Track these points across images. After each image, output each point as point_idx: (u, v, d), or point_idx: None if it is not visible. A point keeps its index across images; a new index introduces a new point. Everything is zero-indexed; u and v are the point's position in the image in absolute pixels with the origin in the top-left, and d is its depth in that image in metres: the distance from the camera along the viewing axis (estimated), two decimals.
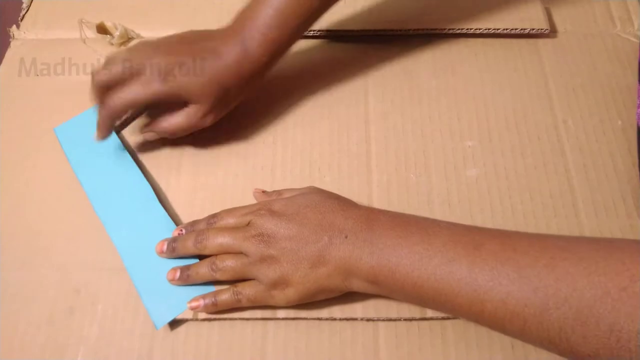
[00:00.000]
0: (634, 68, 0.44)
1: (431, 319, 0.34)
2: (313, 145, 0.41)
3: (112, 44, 0.46)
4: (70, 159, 0.39)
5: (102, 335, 0.34)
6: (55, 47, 0.46)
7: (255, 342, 0.33)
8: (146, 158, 0.41)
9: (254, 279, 0.33)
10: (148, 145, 0.41)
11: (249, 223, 0.33)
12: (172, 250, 0.34)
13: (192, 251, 0.34)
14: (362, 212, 0.32)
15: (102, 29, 0.46)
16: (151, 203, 0.37)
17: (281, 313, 0.34)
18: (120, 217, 0.37)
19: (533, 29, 0.45)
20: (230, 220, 0.34)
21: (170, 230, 0.36)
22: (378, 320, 0.34)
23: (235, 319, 0.34)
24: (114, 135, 0.39)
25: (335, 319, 0.34)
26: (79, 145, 0.40)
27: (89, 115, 0.41)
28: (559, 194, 0.38)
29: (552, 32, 0.46)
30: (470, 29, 0.45)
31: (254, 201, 0.38)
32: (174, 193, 0.39)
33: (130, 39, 0.46)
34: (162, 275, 0.34)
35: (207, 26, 0.45)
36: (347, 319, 0.34)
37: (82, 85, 0.44)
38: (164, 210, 0.37)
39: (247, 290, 0.33)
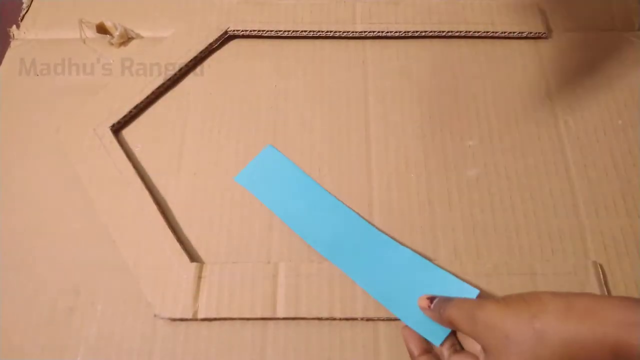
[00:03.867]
0: (634, 67, 0.44)
1: None
2: (313, 145, 0.41)
3: (112, 44, 0.46)
4: (260, 198, 0.39)
5: (102, 335, 0.34)
6: (55, 47, 0.46)
7: (255, 341, 0.33)
8: (145, 159, 0.41)
9: None
10: (147, 146, 0.41)
11: None
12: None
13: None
14: None
15: (102, 29, 0.46)
16: (351, 216, 0.37)
17: (281, 313, 0.34)
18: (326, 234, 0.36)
19: (530, 32, 0.45)
20: None
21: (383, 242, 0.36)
22: (378, 320, 0.34)
23: (235, 319, 0.34)
24: (289, 163, 0.40)
25: (335, 319, 0.34)
26: (261, 184, 0.39)
27: (260, 159, 0.40)
28: (559, 193, 0.38)
29: (552, 32, 0.46)
30: (469, 31, 0.45)
31: (252, 203, 0.38)
32: (174, 194, 0.39)
33: (130, 38, 0.46)
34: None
35: (206, 26, 0.45)
36: (347, 319, 0.34)
37: (82, 85, 0.44)
38: (366, 222, 0.37)
39: None
